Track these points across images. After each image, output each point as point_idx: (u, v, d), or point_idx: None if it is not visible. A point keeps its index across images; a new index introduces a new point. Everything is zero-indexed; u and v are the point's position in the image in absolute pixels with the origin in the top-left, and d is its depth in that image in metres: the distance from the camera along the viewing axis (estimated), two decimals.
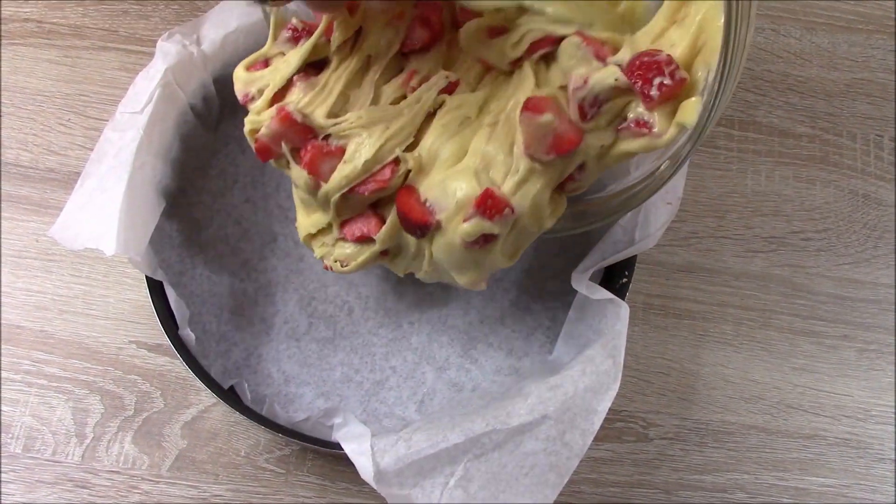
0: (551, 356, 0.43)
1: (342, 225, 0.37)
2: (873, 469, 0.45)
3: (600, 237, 0.41)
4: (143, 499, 0.42)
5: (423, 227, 0.34)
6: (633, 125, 0.31)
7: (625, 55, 0.30)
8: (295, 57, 0.36)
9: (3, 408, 0.43)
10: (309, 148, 0.35)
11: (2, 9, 0.51)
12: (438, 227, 0.34)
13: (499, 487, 0.33)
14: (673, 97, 0.29)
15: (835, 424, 0.45)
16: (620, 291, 0.40)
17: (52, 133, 0.49)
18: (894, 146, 0.51)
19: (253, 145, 0.37)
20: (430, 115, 0.35)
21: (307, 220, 0.38)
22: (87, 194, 0.38)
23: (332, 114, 0.35)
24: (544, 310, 0.44)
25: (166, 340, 0.39)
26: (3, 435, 0.43)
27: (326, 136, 0.35)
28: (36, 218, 0.47)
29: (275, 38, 0.38)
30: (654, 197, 0.34)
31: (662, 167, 0.33)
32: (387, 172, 0.34)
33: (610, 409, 0.35)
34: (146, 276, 0.39)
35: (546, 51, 0.32)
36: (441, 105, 0.35)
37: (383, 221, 0.36)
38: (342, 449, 0.34)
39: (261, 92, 0.37)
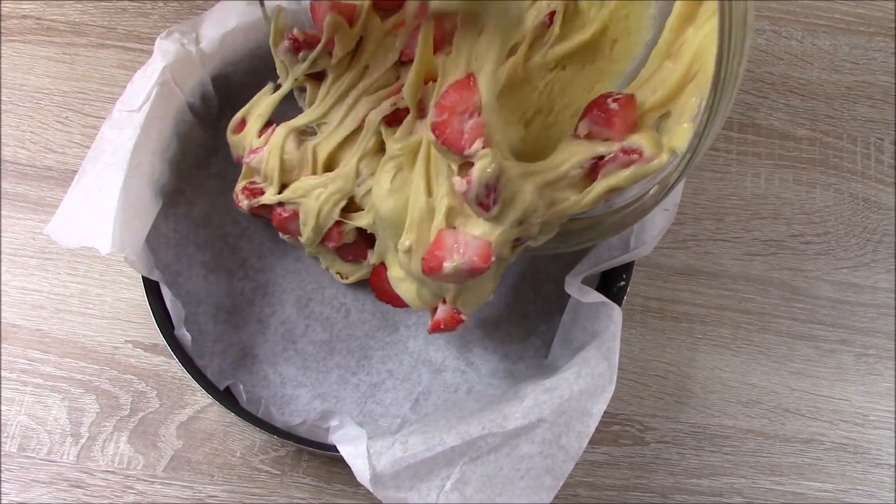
0: (546, 360, 0.42)
1: (337, 250, 0.41)
2: (871, 474, 0.44)
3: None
4: (138, 499, 0.42)
5: (396, 303, 0.40)
6: (620, 153, 0.31)
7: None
8: (266, 108, 0.40)
9: None
10: (273, 216, 0.40)
11: (0, 5, 0.51)
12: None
13: (495, 490, 0.33)
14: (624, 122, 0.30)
15: (832, 429, 0.45)
16: (618, 295, 0.40)
17: (50, 131, 0.49)
18: (895, 150, 0.51)
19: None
20: (381, 149, 0.38)
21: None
22: (83, 192, 0.38)
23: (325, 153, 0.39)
24: (540, 314, 0.44)
25: (162, 340, 0.38)
26: None
27: (281, 204, 0.39)
28: (33, 216, 0.47)
29: (275, 45, 0.38)
30: None
31: (651, 191, 0.33)
32: (335, 234, 0.40)
33: (606, 412, 0.35)
34: (142, 276, 0.39)
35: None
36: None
37: (372, 243, 0.40)
38: (338, 451, 0.34)
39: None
